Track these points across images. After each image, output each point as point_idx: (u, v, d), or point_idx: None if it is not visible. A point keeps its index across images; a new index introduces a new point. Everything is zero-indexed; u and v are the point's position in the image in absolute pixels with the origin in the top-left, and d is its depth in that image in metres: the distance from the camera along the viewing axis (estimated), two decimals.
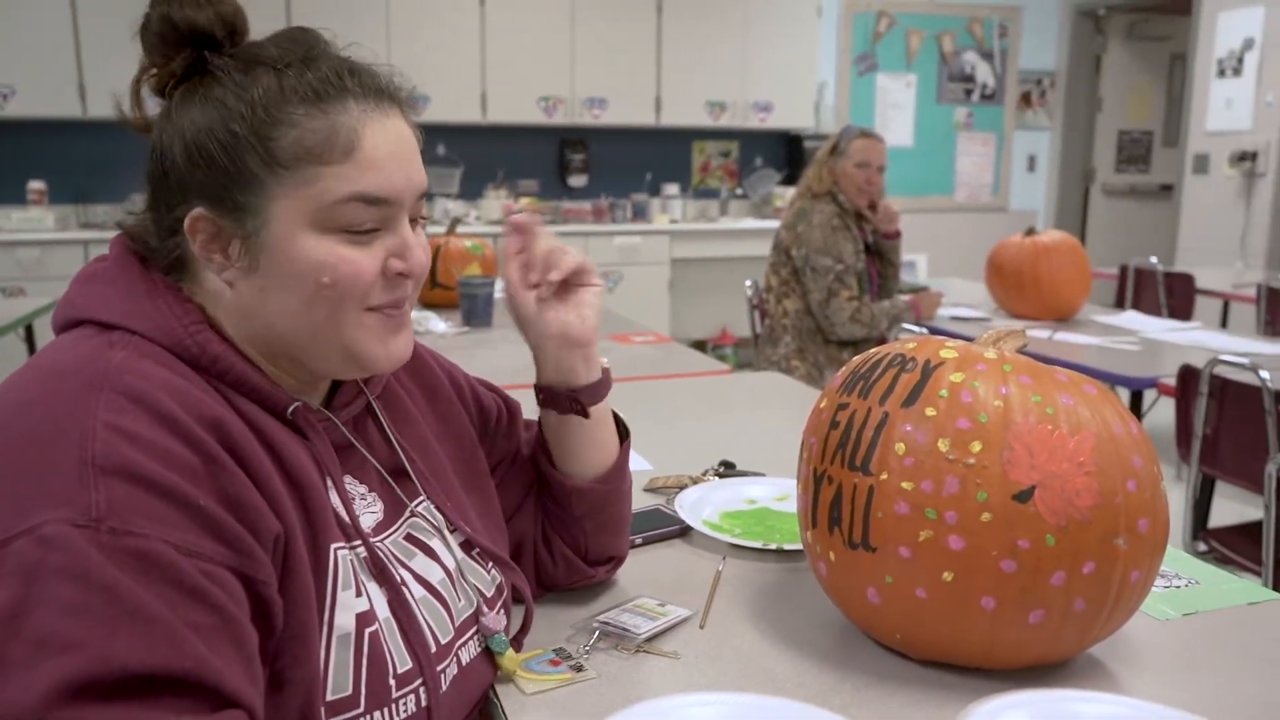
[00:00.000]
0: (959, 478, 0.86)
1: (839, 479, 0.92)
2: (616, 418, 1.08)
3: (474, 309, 2.82)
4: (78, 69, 4.88)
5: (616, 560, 1.10)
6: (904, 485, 0.87)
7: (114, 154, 5.28)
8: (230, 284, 0.79)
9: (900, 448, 0.88)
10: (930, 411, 0.89)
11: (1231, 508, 3.48)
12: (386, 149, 0.78)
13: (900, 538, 0.88)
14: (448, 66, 5.43)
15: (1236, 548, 2.23)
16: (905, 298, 3.27)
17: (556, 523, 1.05)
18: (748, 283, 3.80)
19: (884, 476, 0.89)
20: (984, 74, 6.98)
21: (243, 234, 0.77)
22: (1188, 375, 2.36)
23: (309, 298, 0.78)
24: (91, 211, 5.28)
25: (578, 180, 6.10)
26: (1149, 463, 0.90)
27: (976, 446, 0.86)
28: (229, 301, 0.80)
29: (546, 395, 1.02)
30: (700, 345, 6.14)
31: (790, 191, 6.17)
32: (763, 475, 1.47)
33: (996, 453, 0.86)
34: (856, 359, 1.01)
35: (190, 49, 0.78)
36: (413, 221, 0.84)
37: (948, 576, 0.86)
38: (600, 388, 1.02)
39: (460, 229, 4.61)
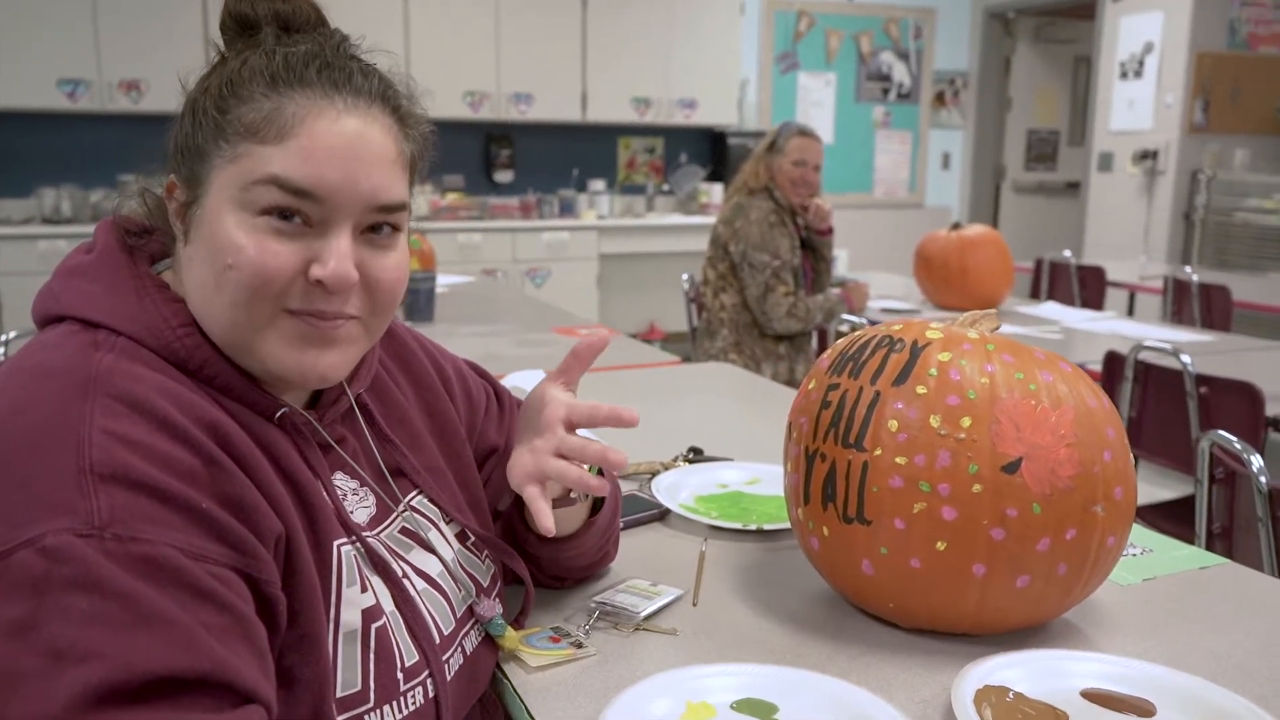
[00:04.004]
0: (950, 451, 0.90)
1: (832, 456, 0.96)
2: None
3: (415, 304, 2.79)
4: None
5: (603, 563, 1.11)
6: (898, 460, 0.91)
7: (17, 146, 5.07)
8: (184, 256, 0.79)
9: (893, 424, 0.92)
10: (921, 389, 0.93)
11: (1149, 490, 3.65)
12: (327, 142, 0.74)
13: (895, 510, 0.91)
14: (371, 60, 5.32)
15: (1163, 526, 2.35)
16: (836, 291, 3.34)
17: (537, 559, 1.04)
18: (684, 276, 3.83)
19: (878, 452, 0.92)
20: (900, 74, 7.16)
21: (191, 202, 0.77)
22: (1113, 361, 2.48)
23: (217, 277, 0.74)
24: None
25: (504, 176, 6.08)
26: (1120, 434, 0.96)
27: (966, 421, 0.90)
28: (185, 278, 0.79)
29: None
30: None
31: (716, 188, 6.25)
32: (731, 460, 1.51)
33: (985, 427, 0.90)
34: (842, 341, 1.04)
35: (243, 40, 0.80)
36: (373, 230, 0.78)
37: (941, 546, 0.90)
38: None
39: None
